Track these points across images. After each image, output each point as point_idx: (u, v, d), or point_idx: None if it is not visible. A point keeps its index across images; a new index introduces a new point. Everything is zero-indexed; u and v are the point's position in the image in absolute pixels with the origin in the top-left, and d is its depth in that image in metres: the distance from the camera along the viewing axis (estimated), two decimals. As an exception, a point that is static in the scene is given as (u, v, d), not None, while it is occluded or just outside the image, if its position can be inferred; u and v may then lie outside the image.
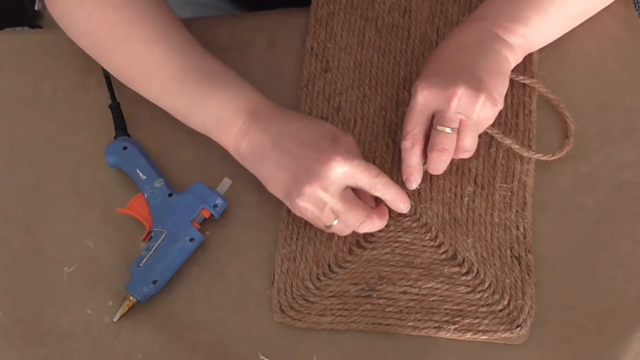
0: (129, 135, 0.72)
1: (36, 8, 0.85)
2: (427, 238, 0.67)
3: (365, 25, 0.75)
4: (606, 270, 0.66)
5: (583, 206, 0.69)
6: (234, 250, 0.69)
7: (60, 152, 0.73)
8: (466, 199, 0.68)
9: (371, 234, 0.67)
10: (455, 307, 0.65)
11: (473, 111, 0.64)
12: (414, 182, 0.67)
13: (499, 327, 0.64)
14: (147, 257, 0.66)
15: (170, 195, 0.68)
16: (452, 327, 0.64)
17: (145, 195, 0.68)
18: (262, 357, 0.65)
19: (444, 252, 0.67)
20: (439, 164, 0.66)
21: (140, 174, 0.69)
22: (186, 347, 0.66)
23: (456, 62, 0.66)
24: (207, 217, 0.68)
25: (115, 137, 0.72)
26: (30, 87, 0.75)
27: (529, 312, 0.64)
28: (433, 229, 0.67)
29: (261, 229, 0.70)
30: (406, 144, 0.66)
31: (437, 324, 0.64)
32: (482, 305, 0.65)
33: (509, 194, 0.69)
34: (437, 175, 0.69)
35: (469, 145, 0.66)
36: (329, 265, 0.67)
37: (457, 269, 0.66)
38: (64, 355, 0.66)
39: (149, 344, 0.66)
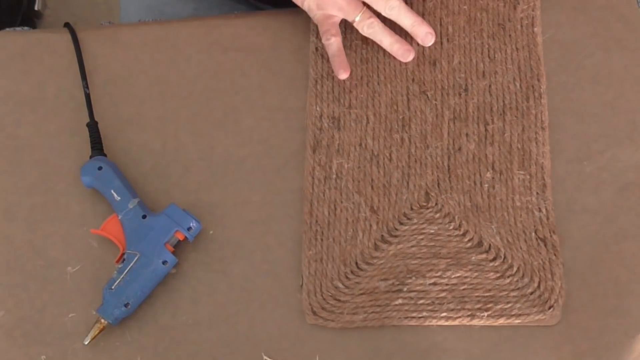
0: (105, 155, 0.71)
1: (36, 8, 0.84)
2: (451, 228, 0.67)
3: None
4: (610, 270, 0.66)
5: (587, 207, 0.69)
6: (238, 250, 0.69)
7: (63, 151, 0.72)
8: (486, 185, 0.68)
9: (395, 228, 0.67)
10: (487, 294, 0.65)
11: None
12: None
13: (532, 309, 0.64)
14: (120, 279, 0.65)
15: (144, 217, 0.67)
16: (485, 314, 0.64)
17: (120, 217, 0.67)
18: (265, 357, 0.65)
19: (469, 240, 0.67)
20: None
21: (115, 195, 0.68)
22: (190, 348, 0.66)
23: None
24: (181, 239, 0.67)
25: (91, 157, 0.71)
26: (33, 86, 0.75)
27: (559, 293, 0.65)
28: (456, 218, 0.67)
29: (265, 229, 0.70)
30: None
31: (470, 312, 0.64)
32: (513, 290, 0.65)
33: (528, 177, 0.69)
34: (455, 165, 0.69)
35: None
36: (357, 263, 0.66)
37: (484, 255, 0.66)
38: (66, 355, 0.66)
39: (153, 345, 0.66)
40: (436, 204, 0.68)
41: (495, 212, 0.68)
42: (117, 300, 0.65)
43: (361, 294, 0.65)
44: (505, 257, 0.66)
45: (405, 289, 0.65)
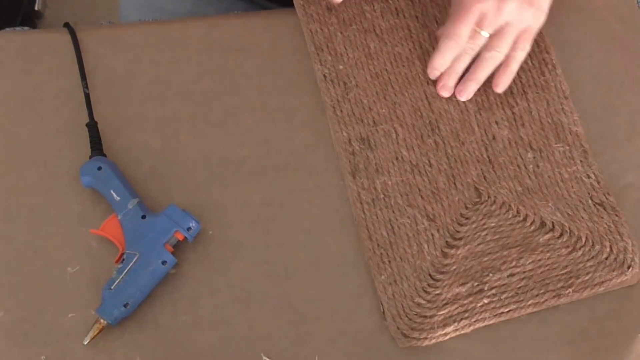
0: (104, 155, 0.71)
1: (36, 8, 0.84)
2: (510, 216, 0.67)
3: (366, 36, 0.75)
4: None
5: (587, 208, 0.69)
6: (238, 250, 0.69)
7: (63, 151, 0.72)
8: (530, 166, 0.69)
9: (456, 230, 0.67)
10: (565, 271, 0.65)
11: (518, 25, 0.68)
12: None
13: (612, 274, 0.65)
14: (119, 279, 0.65)
15: (143, 217, 0.67)
16: (570, 290, 0.64)
17: (119, 217, 0.67)
18: (264, 357, 0.65)
19: (531, 224, 0.67)
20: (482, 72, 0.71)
21: (115, 195, 0.68)
22: (189, 348, 0.66)
23: None
24: (180, 239, 0.67)
25: (90, 157, 0.71)
26: (33, 86, 0.75)
27: (633, 250, 0.66)
28: (512, 205, 0.67)
29: (265, 229, 0.69)
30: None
31: (554, 293, 0.64)
32: (588, 260, 0.65)
33: (567, 147, 0.70)
34: (495, 154, 0.69)
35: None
36: (430, 275, 0.66)
37: (550, 234, 0.66)
38: (65, 355, 0.66)
39: (152, 345, 0.66)
40: (489, 197, 0.68)
41: (547, 189, 0.68)
42: (116, 301, 0.65)
43: (445, 304, 0.65)
44: (571, 231, 0.66)
45: (486, 288, 0.65)
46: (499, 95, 0.72)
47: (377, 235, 0.67)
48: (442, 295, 0.65)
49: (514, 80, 0.72)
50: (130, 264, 0.66)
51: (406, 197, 0.68)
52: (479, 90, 0.72)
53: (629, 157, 0.71)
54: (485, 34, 0.69)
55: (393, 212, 0.68)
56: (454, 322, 0.64)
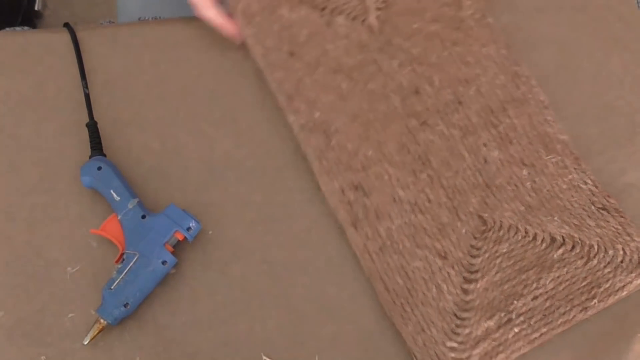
0: (104, 155, 0.71)
1: (36, 8, 0.84)
2: (520, 238, 0.66)
3: (336, 77, 0.71)
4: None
5: (587, 208, 0.69)
6: (238, 250, 0.69)
7: (63, 151, 0.72)
8: (528, 183, 0.68)
9: (471, 264, 0.66)
10: (585, 283, 0.64)
11: None
12: None
13: (631, 276, 0.65)
14: (119, 279, 0.65)
15: (143, 217, 0.67)
16: (595, 301, 0.64)
17: (119, 217, 0.67)
18: (264, 357, 0.65)
19: (542, 241, 0.66)
20: None
21: (114, 195, 0.68)
22: (189, 348, 0.66)
23: None
24: (180, 239, 0.67)
25: (90, 157, 0.71)
26: (33, 86, 0.75)
27: None
28: (519, 226, 0.66)
29: (265, 229, 0.70)
30: None
31: (581, 307, 0.64)
32: (605, 267, 0.65)
33: (559, 157, 0.69)
34: (490, 177, 0.68)
35: None
36: (456, 315, 0.64)
37: (562, 249, 0.66)
38: (65, 355, 0.66)
39: (152, 345, 0.66)
40: (494, 222, 0.67)
41: (549, 203, 0.67)
42: (116, 301, 0.65)
43: (477, 342, 0.63)
44: (582, 241, 0.66)
45: (514, 316, 0.64)
46: (481, 116, 0.70)
47: (393, 284, 0.65)
48: (472, 333, 0.63)
49: (491, 98, 0.71)
50: (130, 264, 0.66)
51: (413, 239, 0.66)
52: (459, 114, 0.70)
53: (629, 156, 0.71)
54: None
55: (403, 257, 0.66)
56: (490, 358, 0.63)
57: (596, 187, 0.68)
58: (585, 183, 0.68)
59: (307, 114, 0.69)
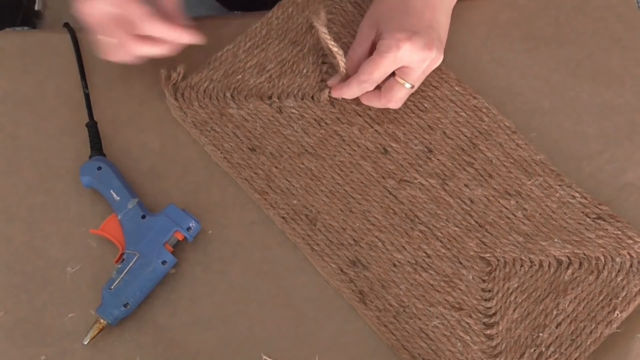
0: (104, 155, 0.71)
1: (36, 8, 0.84)
2: (527, 269, 0.66)
3: (302, 159, 0.70)
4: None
5: (587, 207, 0.69)
6: (237, 250, 0.69)
7: (63, 151, 0.72)
8: (519, 212, 0.68)
9: (486, 307, 0.65)
10: (603, 297, 0.64)
11: (430, 70, 0.69)
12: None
13: None
14: (119, 279, 0.65)
15: (143, 217, 0.67)
16: (617, 312, 0.63)
17: (119, 217, 0.67)
18: (265, 357, 0.65)
19: (549, 267, 0.66)
20: (374, 104, 0.71)
21: (114, 195, 0.68)
22: (189, 348, 0.66)
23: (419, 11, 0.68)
24: (180, 239, 0.67)
25: (90, 157, 0.71)
26: (33, 86, 0.75)
27: None
28: (523, 257, 0.66)
29: (264, 229, 0.69)
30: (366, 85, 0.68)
31: (606, 322, 0.63)
32: (616, 276, 0.65)
33: (540, 179, 0.68)
34: (481, 216, 0.68)
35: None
36: None
37: (570, 269, 0.65)
38: (65, 355, 0.66)
39: (152, 345, 0.66)
40: (497, 260, 0.66)
41: (545, 227, 0.67)
42: (116, 300, 0.65)
43: None
44: (587, 256, 0.66)
45: (543, 349, 0.63)
46: (455, 158, 0.70)
47: (417, 349, 0.64)
48: None
49: (459, 138, 0.71)
50: (130, 264, 0.66)
51: (424, 298, 0.65)
52: (433, 162, 0.70)
53: (628, 156, 0.71)
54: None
55: (419, 319, 0.64)
56: None
57: (585, 198, 0.67)
58: (574, 197, 0.67)
59: (284, 204, 0.69)
